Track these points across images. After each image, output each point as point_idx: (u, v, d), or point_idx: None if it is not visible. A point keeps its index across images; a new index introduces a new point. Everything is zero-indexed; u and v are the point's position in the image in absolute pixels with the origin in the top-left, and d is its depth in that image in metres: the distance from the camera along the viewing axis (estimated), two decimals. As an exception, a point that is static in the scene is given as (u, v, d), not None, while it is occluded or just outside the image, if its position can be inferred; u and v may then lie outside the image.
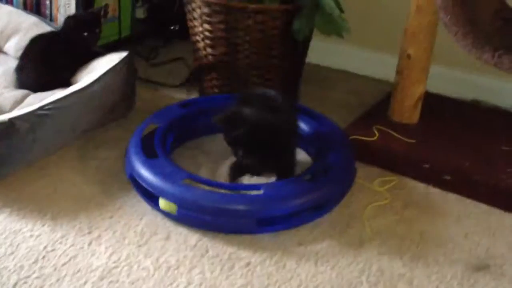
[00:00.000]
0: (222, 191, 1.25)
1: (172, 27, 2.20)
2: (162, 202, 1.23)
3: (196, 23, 1.66)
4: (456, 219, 1.30)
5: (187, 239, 1.19)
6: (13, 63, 1.69)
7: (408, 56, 1.56)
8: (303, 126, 1.45)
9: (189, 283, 1.08)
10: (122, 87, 1.53)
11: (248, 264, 1.14)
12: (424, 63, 1.57)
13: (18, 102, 1.54)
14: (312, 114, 1.50)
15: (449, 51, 1.72)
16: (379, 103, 1.75)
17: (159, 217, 1.25)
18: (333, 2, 1.54)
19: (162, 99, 1.79)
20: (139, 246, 1.17)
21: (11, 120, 1.27)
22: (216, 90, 1.73)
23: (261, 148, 1.23)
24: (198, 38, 1.68)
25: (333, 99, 1.82)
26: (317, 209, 1.26)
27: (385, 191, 1.37)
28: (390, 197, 1.35)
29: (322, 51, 1.98)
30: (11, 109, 1.50)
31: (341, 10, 1.57)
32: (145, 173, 1.26)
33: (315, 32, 1.68)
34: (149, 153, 1.31)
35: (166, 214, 1.23)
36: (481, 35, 1.31)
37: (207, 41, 1.65)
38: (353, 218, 1.28)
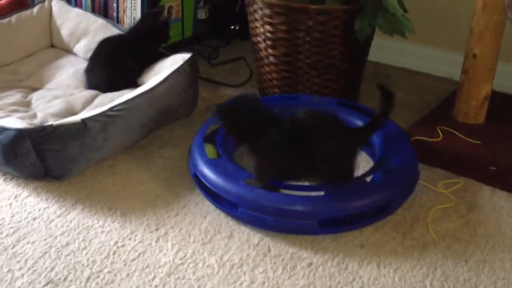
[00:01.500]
0: (284, 191, 1.26)
1: (232, 27, 2.23)
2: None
3: (257, 24, 1.68)
4: (525, 224, 1.26)
5: (249, 238, 1.22)
6: (83, 64, 1.77)
7: (474, 56, 1.52)
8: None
9: (252, 282, 1.10)
10: (186, 88, 1.58)
11: (310, 264, 1.15)
12: (490, 62, 1.52)
13: (88, 102, 1.61)
14: (373, 115, 1.48)
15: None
16: (443, 103, 1.71)
17: (222, 216, 1.28)
18: (396, 1, 1.51)
19: (223, 98, 1.82)
20: (204, 243, 1.20)
21: (83, 121, 1.33)
22: (276, 90, 1.75)
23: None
24: (259, 39, 1.70)
25: (395, 98, 1.79)
26: (380, 211, 1.26)
27: (450, 194, 1.35)
28: (455, 199, 1.33)
29: (383, 49, 1.96)
30: (82, 109, 1.58)
31: (405, 10, 1.54)
32: (208, 173, 1.29)
33: (377, 30, 1.66)
34: (212, 153, 1.35)
35: (229, 212, 1.26)
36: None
37: (268, 42, 1.67)
38: (417, 221, 1.27)
